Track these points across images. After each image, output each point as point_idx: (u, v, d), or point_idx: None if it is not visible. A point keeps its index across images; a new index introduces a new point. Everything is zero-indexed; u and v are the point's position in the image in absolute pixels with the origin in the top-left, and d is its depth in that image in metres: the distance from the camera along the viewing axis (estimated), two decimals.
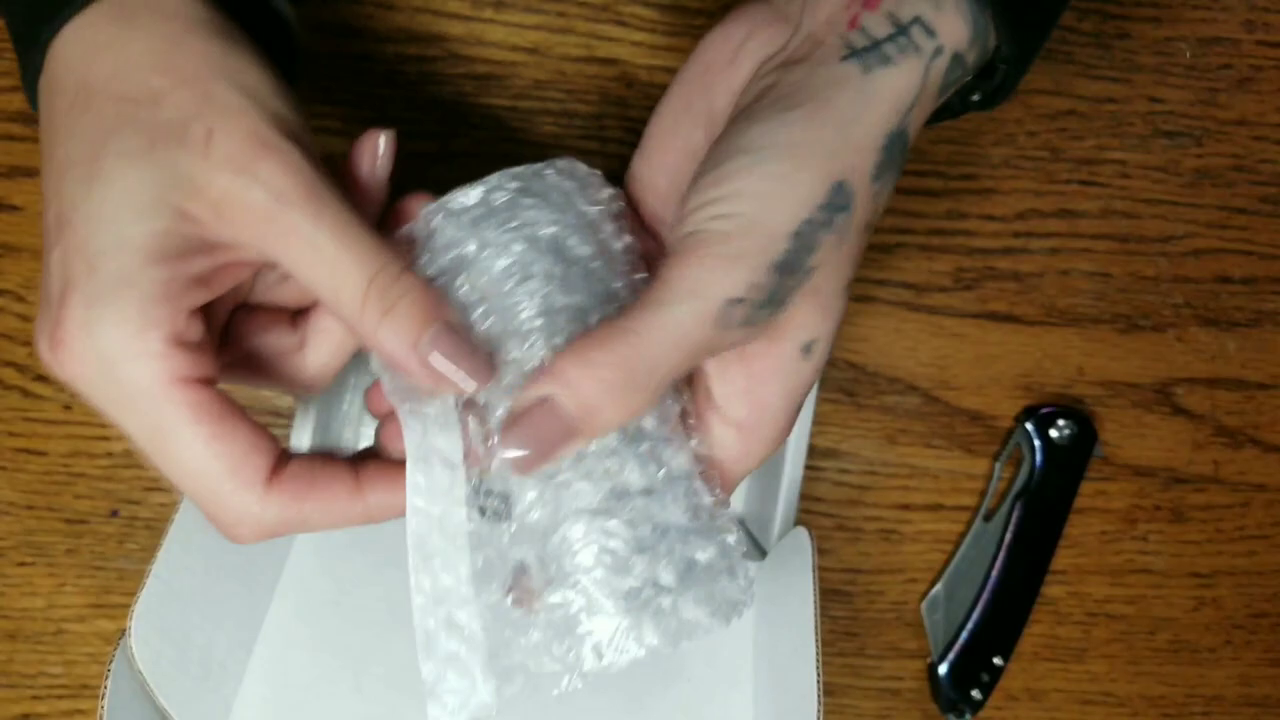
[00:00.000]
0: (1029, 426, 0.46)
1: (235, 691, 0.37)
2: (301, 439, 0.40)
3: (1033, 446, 0.46)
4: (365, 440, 0.45)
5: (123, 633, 0.32)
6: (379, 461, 0.30)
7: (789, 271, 0.27)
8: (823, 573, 0.36)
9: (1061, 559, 0.48)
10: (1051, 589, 0.48)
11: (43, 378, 0.45)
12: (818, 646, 0.34)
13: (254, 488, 0.27)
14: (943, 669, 0.46)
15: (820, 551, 0.36)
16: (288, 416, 0.44)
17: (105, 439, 0.45)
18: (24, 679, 0.45)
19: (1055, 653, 0.48)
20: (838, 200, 0.28)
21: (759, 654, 0.39)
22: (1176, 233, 0.47)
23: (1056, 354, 0.47)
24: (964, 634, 0.46)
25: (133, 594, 0.33)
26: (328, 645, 0.39)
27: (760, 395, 0.29)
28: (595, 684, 0.38)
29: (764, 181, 0.27)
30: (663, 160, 0.33)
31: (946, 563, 0.47)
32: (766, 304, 0.28)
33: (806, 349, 0.29)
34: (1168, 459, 0.48)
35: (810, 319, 0.29)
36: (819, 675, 0.33)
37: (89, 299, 0.25)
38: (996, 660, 0.47)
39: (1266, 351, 0.48)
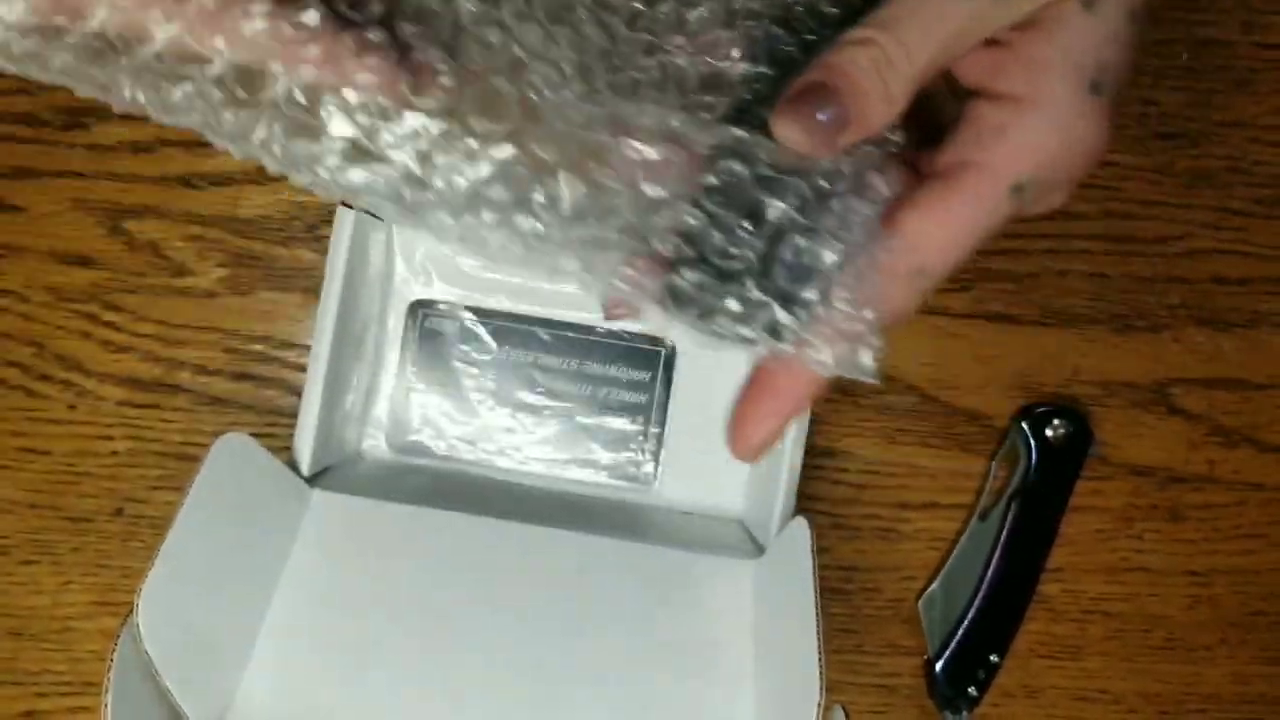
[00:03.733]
0: (1024, 426, 0.46)
1: (238, 679, 0.37)
2: (304, 437, 0.41)
3: (1028, 446, 0.46)
4: (369, 440, 0.46)
5: (129, 613, 0.32)
6: None
7: None
8: (821, 571, 0.36)
9: (1057, 557, 0.48)
10: (1048, 587, 0.48)
11: (47, 377, 0.45)
12: (819, 632, 0.34)
13: None
14: (939, 666, 0.47)
15: (818, 550, 0.37)
16: (290, 415, 0.45)
17: (109, 438, 0.45)
18: (29, 676, 0.46)
19: (1051, 650, 0.49)
20: None
21: (760, 646, 0.40)
22: (1173, 234, 0.47)
23: (1053, 354, 0.47)
24: (960, 631, 0.47)
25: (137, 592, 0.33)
26: (332, 634, 0.39)
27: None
28: (593, 682, 0.39)
29: None
30: None
31: (943, 561, 0.48)
32: None
33: (1087, 4, 0.27)
34: (1164, 458, 0.48)
35: None
36: (822, 663, 0.33)
37: None
38: (993, 657, 0.47)
39: (1262, 352, 0.48)
